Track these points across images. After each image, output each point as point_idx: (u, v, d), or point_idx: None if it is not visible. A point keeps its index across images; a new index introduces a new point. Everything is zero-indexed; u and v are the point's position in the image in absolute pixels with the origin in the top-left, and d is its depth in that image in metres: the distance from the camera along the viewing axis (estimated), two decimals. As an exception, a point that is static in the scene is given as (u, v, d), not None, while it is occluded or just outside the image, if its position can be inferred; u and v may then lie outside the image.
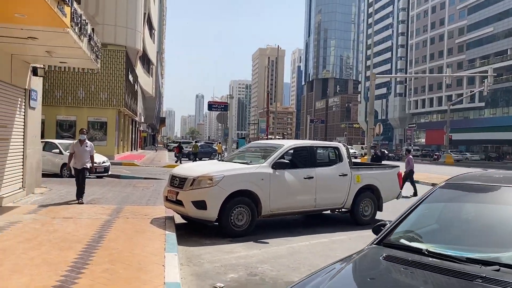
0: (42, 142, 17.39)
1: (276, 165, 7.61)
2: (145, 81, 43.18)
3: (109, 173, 16.77)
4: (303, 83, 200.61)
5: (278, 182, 7.59)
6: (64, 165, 16.07)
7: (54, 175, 16.32)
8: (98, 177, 16.40)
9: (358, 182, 8.70)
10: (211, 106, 18.89)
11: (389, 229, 2.84)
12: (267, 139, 39.06)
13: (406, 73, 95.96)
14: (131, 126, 38.93)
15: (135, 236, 6.41)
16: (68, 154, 16.47)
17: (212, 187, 7.01)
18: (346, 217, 9.38)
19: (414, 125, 79.68)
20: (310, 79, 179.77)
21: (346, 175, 8.56)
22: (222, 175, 7.10)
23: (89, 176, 16.04)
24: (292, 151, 8.11)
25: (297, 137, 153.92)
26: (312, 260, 6.01)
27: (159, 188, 13.19)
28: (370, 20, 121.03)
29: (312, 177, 8.05)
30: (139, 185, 13.67)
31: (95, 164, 16.30)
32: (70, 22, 6.81)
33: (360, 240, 7.10)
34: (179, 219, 8.16)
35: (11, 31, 7.06)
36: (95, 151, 18.11)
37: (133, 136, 42.66)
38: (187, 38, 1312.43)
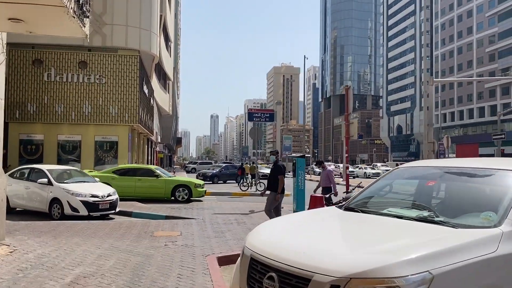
0: (26, 168, 12.97)
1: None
2: (161, 97, 38.95)
3: (117, 209, 12.13)
4: (319, 100, 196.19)
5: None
6: (54, 200, 11.54)
7: (42, 214, 11.76)
8: (102, 216, 11.77)
9: None
10: (252, 115, 14.25)
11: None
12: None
13: (432, 85, 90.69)
14: (146, 146, 34.53)
15: None
16: (60, 184, 11.44)
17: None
18: None
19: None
20: (327, 96, 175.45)
21: None
22: (426, 272, 2.32)
23: (90, 215, 11.51)
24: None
25: (315, 156, 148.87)
26: None
27: (189, 238, 8.44)
28: (390, 33, 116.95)
29: None
30: (159, 233, 8.94)
31: (96, 199, 11.61)
32: None
33: None
34: None
35: None
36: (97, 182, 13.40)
37: (149, 158, 38.22)
38: (199, 58, 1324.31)
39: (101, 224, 10.13)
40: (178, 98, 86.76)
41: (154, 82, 32.79)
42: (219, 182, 30.70)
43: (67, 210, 11.19)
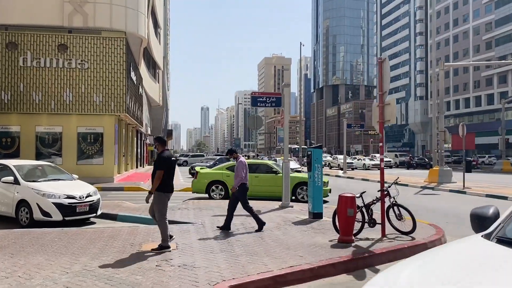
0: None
1: None
2: (151, 87, 36.78)
3: (99, 212, 10.18)
4: (311, 90, 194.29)
5: None
6: (21, 202, 9.57)
7: (9, 220, 9.80)
8: (81, 220, 9.83)
9: None
10: (256, 99, 12.35)
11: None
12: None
13: (427, 74, 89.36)
14: (136, 138, 32.45)
15: None
16: (29, 183, 9.48)
17: None
18: None
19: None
20: (320, 86, 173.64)
21: None
22: None
23: (64, 220, 9.59)
24: None
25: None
26: None
27: (189, 253, 6.54)
28: (383, 22, 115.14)
29: None
30: (149, 246, 7.04)
31: (73, 201, 9.25)
32: None
33: None
34: None
35: None
36: (77, 176, 11.42)
37: (139, 151, 36.16)
38: (188, 49, 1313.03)
39: (77, 232, 8.18)
40: (168, 90, 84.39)
41: (143, 69, 30.66)
42: None
43: (37, 215, 9.22)
